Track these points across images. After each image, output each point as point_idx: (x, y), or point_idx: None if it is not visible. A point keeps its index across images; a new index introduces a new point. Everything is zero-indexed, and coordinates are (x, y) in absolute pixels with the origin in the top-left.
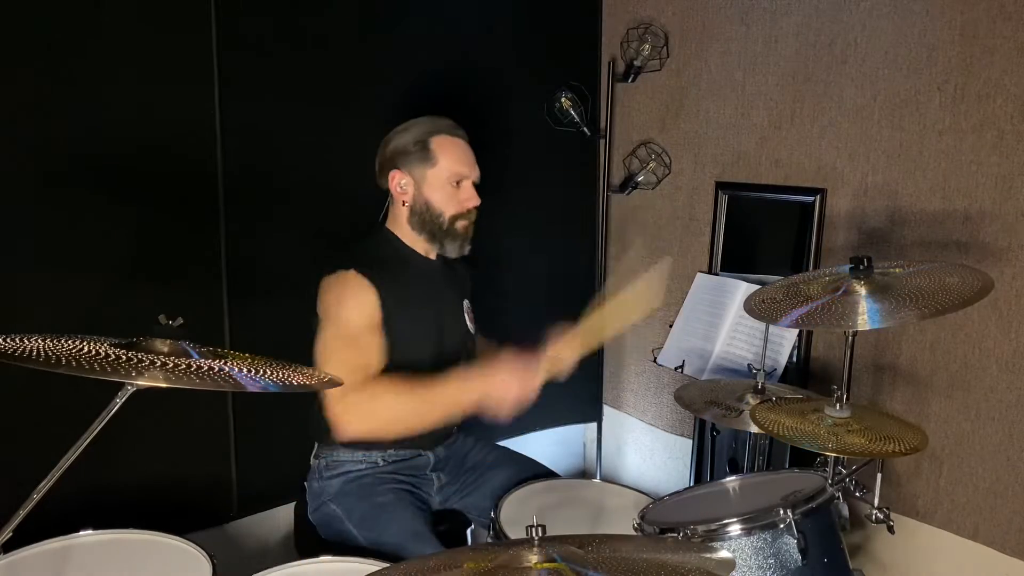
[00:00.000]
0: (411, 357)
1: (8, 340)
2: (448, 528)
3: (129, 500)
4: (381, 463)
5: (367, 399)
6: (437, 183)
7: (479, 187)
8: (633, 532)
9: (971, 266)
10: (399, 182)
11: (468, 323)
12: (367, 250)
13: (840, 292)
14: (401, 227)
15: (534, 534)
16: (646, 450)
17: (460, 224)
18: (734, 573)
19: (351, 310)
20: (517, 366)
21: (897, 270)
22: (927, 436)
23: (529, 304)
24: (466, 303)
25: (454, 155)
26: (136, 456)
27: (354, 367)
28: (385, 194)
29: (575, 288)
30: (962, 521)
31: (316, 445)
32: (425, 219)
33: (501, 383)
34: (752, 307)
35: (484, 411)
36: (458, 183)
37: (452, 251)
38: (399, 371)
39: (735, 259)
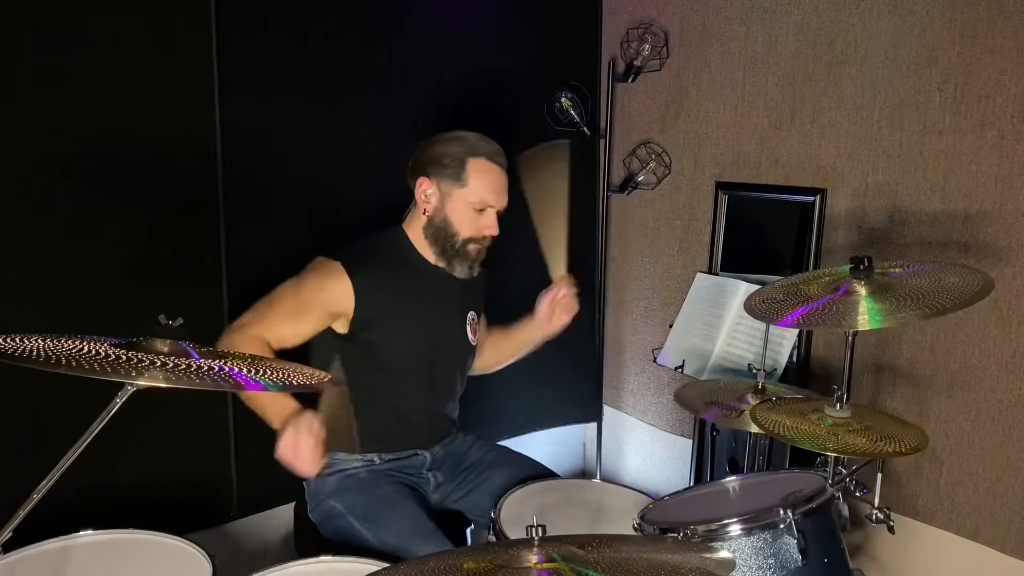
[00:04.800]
0: (394, 361)
1: (8, 340)
2: (448, 528)
3: (129, 500)
4: (377, 461)
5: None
6: (461, 204)
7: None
8: (633, 532)
9: (971, 266)
10: (425, 190)
11: (468, 335)
12: (370, 247)
13: (840, 292)
14: (416, 232)
15: (534, 534)
16: (646, 450)
17: (472, 247)
18: (734, 573)
19: (315, 288)
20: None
21: (897, 270)
22: (927, 436)
23: (528, 304)
24: (471, 315)
25: (486, 182)
26: (136, 456)
27: (270, 323)
28: (393, 194)
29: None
30: (962, 521)
31: None
32: (440, 234)
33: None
34: (752, 307)
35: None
36: (482, 210)
37: (460, 272)
38: (383, 373)
39: (735, 259)
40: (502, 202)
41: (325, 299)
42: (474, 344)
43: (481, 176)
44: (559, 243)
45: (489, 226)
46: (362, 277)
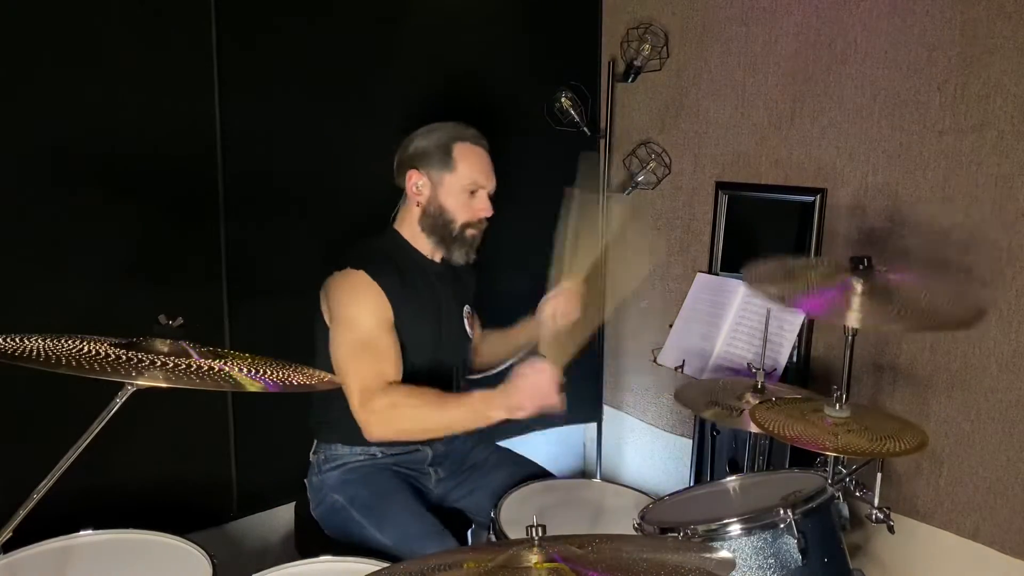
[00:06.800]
0: (407, 360)
1: (8, 340)
2: (450, 528)
3: (129, 500)
4: (379, 455)
5: (388, 407)
6: (454, 189)
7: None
8: (633, 532)
9: (968, 275)
10: (416, 182)
11: (467, 329)
12: (377, 249)
13: (840, 292)
14: (410, 228)
15: (534, 534)
16: (646, 450)
17: (469, 232)
18: (734, 573)
19: (364, 312)
20: (533, 376)
21: (897, 272)
22: (927, 436)
23: (528, 304)
24: (466, 308)
25: (474, 164)
26: (136, 456)
27: (375, 372)
28: (393, 194)
29: None
30: (962, 521)
31: (315, 441)
32: (436, 223)
33: (521, 391)
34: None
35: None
36: (474, 192)
37: (459, 258)
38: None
39: (735, 259)
40: (492, 183)
41: (382, 316)
42: (472, 338)
43: (468, 159)
44: (580, 250)
45: (483, 208)
46: (382, 278)
